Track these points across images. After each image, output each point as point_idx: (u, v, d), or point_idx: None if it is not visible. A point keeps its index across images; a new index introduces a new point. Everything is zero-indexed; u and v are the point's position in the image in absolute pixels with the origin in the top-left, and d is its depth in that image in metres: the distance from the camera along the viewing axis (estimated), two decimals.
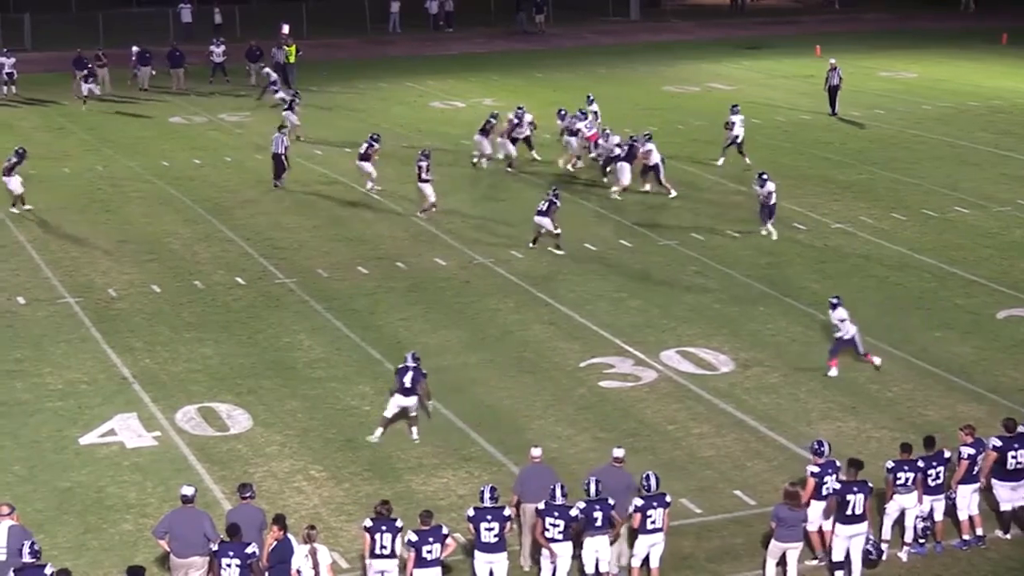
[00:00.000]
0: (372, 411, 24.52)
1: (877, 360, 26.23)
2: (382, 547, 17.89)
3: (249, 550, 17.30)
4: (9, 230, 35.79)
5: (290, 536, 17.61)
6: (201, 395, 25.26)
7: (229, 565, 17.22)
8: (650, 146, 38.99)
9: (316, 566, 17.31)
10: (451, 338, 28.22)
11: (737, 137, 42.17)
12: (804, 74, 59.45)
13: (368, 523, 18.08)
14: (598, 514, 18.38)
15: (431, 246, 34.36)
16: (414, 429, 23.49)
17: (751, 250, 33.82)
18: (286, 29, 61.38)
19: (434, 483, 21.90)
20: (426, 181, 36.54)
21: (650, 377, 26.19)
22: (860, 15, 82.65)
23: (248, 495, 18.49)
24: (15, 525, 17.72)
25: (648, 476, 18.77)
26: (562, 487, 18.52)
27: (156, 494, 21.37)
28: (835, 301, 26.34)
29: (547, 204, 33.60)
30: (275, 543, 17.52)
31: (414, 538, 17.70)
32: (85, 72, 54.43)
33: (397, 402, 23.45)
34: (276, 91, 52.26)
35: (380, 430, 23.57)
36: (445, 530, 17.92)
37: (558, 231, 33.58)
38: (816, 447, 19.64)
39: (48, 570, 16.73)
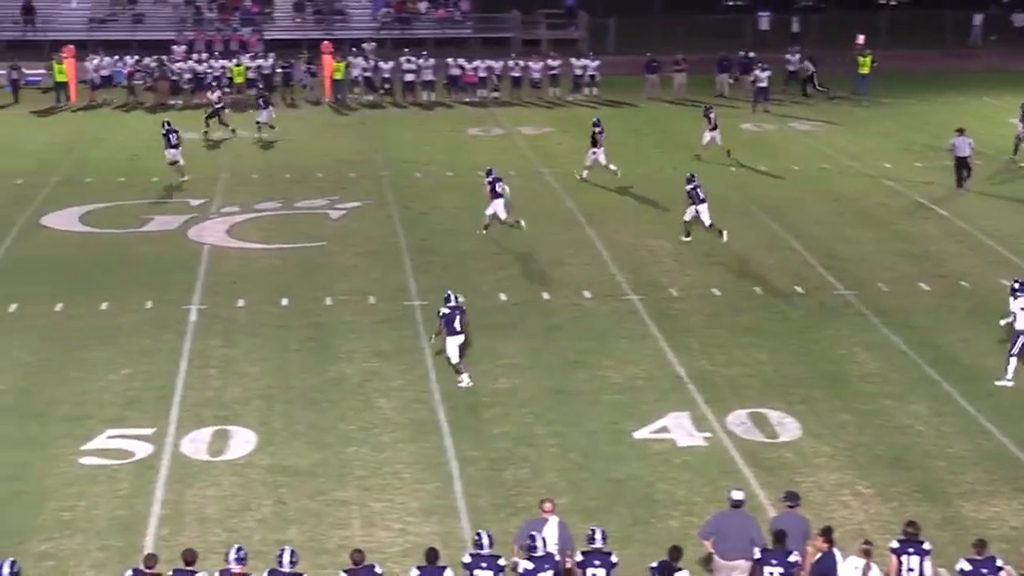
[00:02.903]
0: (925, 431, 24.04)
1: None
2: (909, 570, 17.49)
3: (792, 559, 17.38)
4: (582, 227, 37.24)
5: (835, 550, 17.53)
6: (753, 400, 25.49)
7: (772, 573, 17.34)
8: None
9: None
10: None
11: None
12: None
13: (895, 544, 17.73)
14: None
15: (999, 267, 33.19)
16: (464, 376, 25.86)
17: None
18: (861, 39, 60.95)
19: (986, 511, 21.19)
20: None
21: None
22: None
23: (794, 504, 18.56)
24: (561, 521, 18.49)
25: None
26: None
27: (703, 494, 21.75)
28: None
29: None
30: (819, 555, 17.50)
31: (967, 567, 17.22)
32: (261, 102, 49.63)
33: (455, 343, 25.94)
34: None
35: (466, 376, 25.87)
36: (999, 562, 17.30)
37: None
38: None
39: (614, 558, 17.52)
